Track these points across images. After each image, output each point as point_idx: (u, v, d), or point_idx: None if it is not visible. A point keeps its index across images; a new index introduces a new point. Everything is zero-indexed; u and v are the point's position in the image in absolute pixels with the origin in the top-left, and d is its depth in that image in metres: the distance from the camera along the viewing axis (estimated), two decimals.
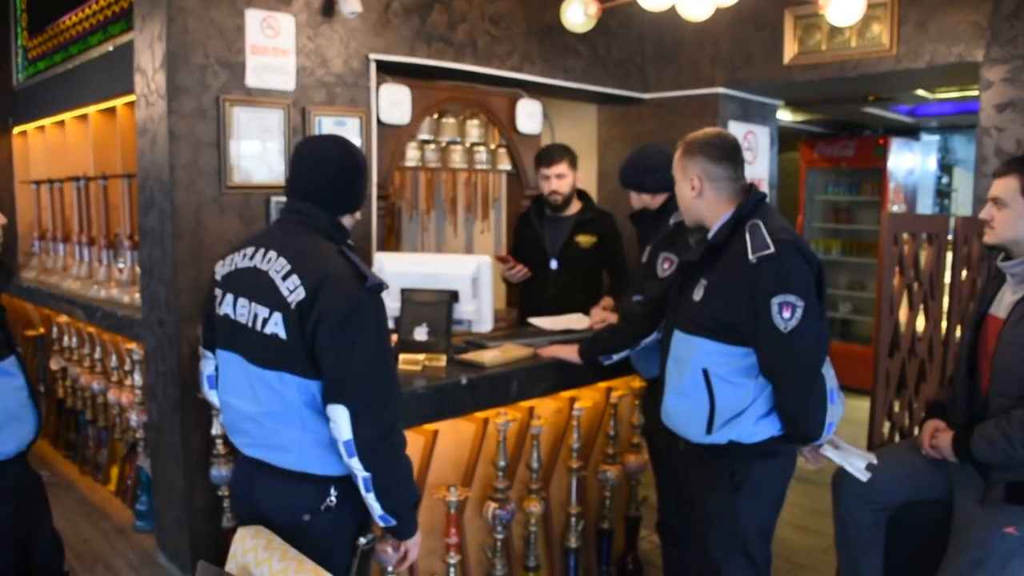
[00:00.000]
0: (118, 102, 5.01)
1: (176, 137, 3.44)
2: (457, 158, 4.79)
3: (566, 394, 3.22)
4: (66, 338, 5.24)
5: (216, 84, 3.53)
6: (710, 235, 2.45)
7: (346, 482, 2.10)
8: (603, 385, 3.37)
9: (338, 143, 2.24)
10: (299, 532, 2.10)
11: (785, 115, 7.36)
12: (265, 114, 3.67)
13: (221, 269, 2.22)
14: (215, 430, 3.44)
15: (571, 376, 3.19)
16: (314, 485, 2.11)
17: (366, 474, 2.01)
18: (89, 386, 4.91)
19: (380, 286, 2.07)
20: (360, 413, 1.98)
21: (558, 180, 3.89)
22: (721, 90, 5.17)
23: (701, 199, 2.45)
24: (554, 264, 4.00)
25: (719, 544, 2.45)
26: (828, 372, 2.35)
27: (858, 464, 2.43)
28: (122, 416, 4.69)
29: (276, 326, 2.03)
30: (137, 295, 4.42)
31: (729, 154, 2.44)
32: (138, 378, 4.28)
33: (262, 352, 2.07)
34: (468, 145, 4.84)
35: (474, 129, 4.83)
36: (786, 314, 2.21)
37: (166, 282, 3.54)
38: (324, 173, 2.16)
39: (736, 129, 5.27)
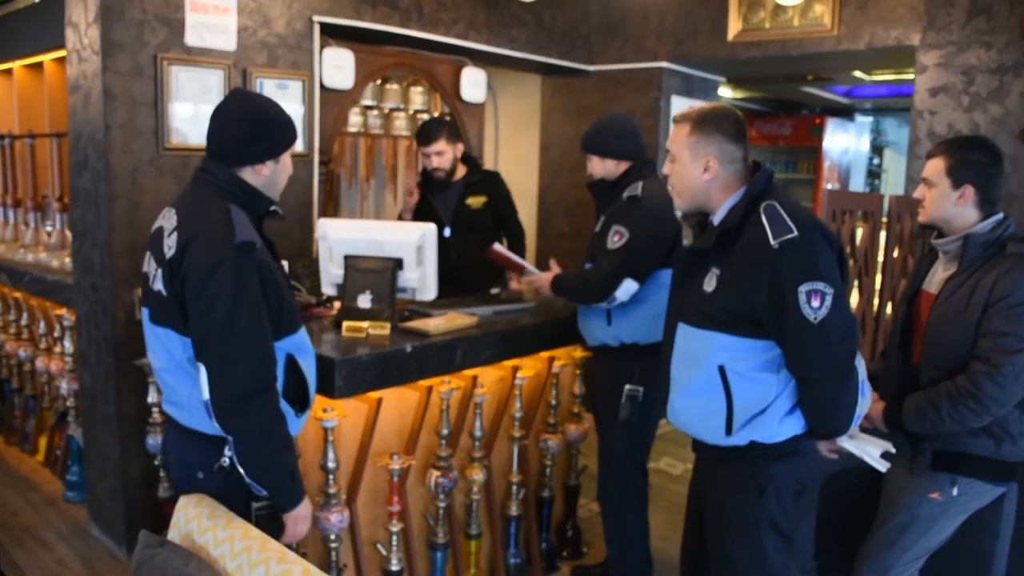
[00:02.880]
0: (46, 57, 4.83)
1: (111, 96, 3.32)
2: (400, 125, 4.74)
3: (509, 363, 3.22)
4: None
5: (154, 41, 3.42)
6: (717, 219, 2.23)
7: None
8: (545, 355, 3.39)
9: (237, 96, 2.21)
10: (193, 489, 2.13)
11: (726, 92, 7.45)
12: (205, 74, 3.57)
13: (152, 230, 2.19)
14: (151, 398, 3.37)
15: (514, 346, 3.20)
16: (207, 444, 2.10)
17: (229, 437, 2.02)
18: (15, 353, 4.75)
19: (250, 244, 1.99)
20: (216, 373, 1.96)
21: (438, 157, 3.87)
22: (665, 64, 5.20)
23: (713, 182, 2.21)
24: (448, 231, 3.99)
25: (744, 549, 2.28)
26: (859, 363, 2.17)
27: (875, 453, 2.30)
28: (51, 384, 4.55)
29: (159, 282, 2.06)
30: (67, 259, 4.28)
31: (743, 131, 2.24)
32: (68, 345, 4.16)
33: (155, 308, 2.11)
34: (411, 112, 4.80)
35: (418, 96, 4.79)
36: (815, 303, 2.02)
37: (100, 245, 3.43)
38: (220, 126, 2.12)
39: (679, 104, 5.32)
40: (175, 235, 2.03)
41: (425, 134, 3.89)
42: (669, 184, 2.34)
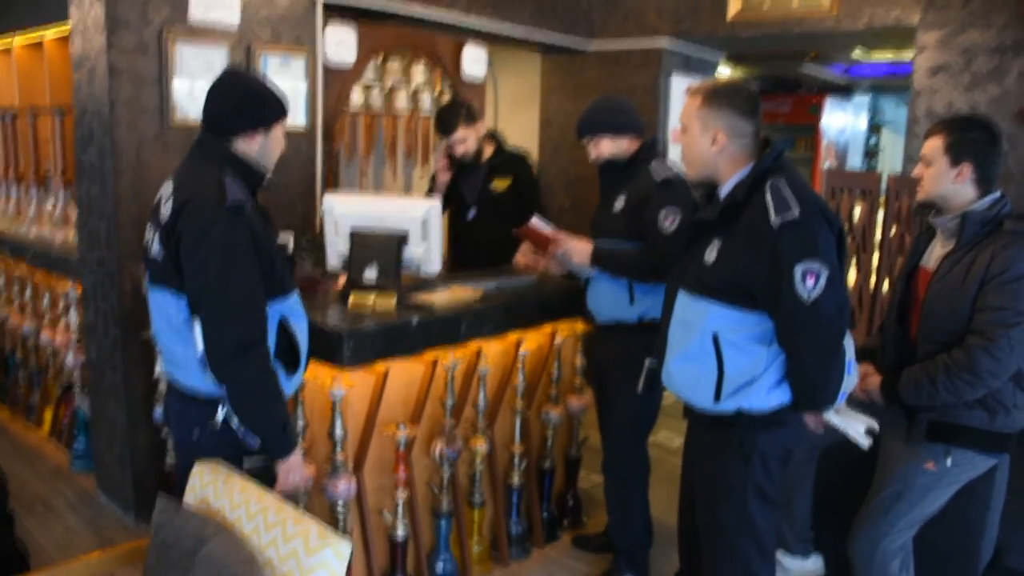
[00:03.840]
0: (46, 33, 4.82)
1: (116, 72, 3.35)
2: (402, 102, 4.76)
3: (512, 336, 3.28)
4: None
5: (158, 18, 3.43)
6: (724, 192, 2.28)
7: None
8: (548, 328, 3.45)
9: (229, 72, 2.37)
10: (189, 448, 2.26)
11: (724, 70, 7.47)
12: (209, 51, 3.59)
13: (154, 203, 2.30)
14: (158, 369, 3.43)
15: (517, 318, 3.25)
16: (202, 404, 2.22)
17: (223, 388, 2.12)
18: (20, 327, 4.79)
19: (239, 206, 2.10)
20: (211, 325, 2.08)
21: (461, 144, 3.87)
22: (665, 42, 5.22)
23: (721, 154, 2.25)
24: (471, 213, 4.02)
25: (730, 513, 2.34)
26: (848, 343, 2.23)
27: (859, 428, 2.37)
28: (56, 357, 4.60)
29: (156, 245, 2.19)
30: (71, 234, 4.32)
31: (755, 107, 2.26)
32: (74, 318, 4.20)
33: (152, 272, 2.24)
34: (413, 89, 4.81)
35: (419, 74, 4.80)
36: (809, 282, 2.07)
37: (107, 218, 3.47)
38: (213, 100, 2.25)
39: (679, 82, 5.35)
40: (171, 201, 2.15)
41: (442, 124, 3.88)
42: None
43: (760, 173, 2.20)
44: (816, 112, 7.70)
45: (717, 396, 2.25)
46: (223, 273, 2.07)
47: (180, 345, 2.19)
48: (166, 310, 2.20)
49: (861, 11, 4.40)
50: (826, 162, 7.78)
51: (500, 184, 3.94)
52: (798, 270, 2.07)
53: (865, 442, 2.38)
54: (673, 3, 5.13)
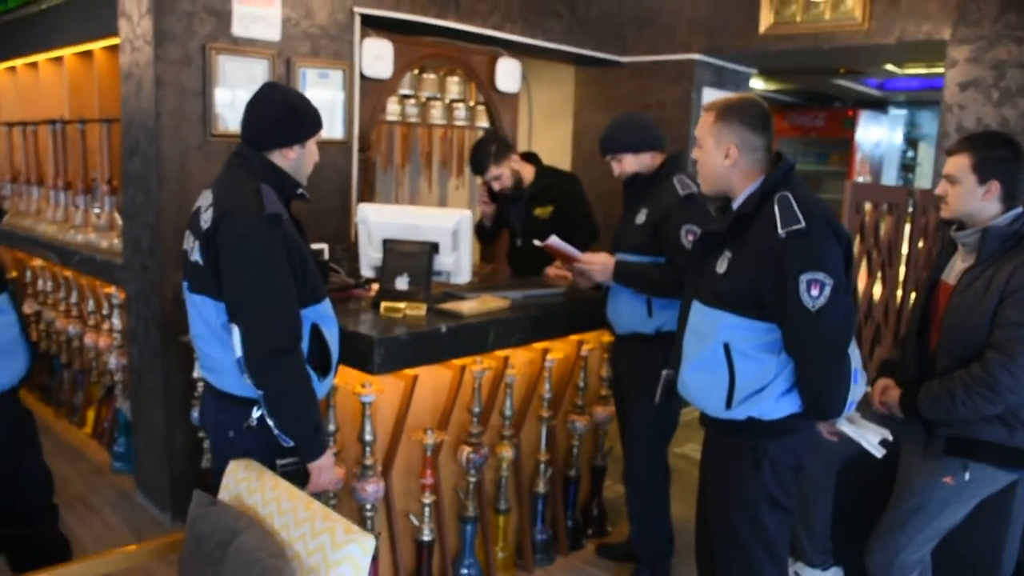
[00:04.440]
0: (96, 45, 4.98)
1: (162, 84, 3.48)
2: (437, 114, 4.86)
3: (539, 345, 3.34)
4: (40, 282, 5.26)
5: (203, 32, 3.56)
6: (736, 205, 2.35)
7: None
8: (574, 338, 3.51)
9: (266, 85, 2.45)
10: (225, 447, 2.35)
11: (757, 84, 7.49)
12: (250, 64, 3.71)
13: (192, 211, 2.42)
14: (196, 373, 3.53)
15: (545, 329, 3.31)
16: (238, 405, 2.33)
17: (259, 391, 2.21)
18: (65, 330, 4.94)
19: (276, 216, 2.20)
20: (249, 331, 2.17)
21: (496, 181, 3.94)
22: (697, 56, 5.27)
23: (734, 168, 2.33)
24: (519, 242, 4.09)
25: (742, 520, 2.40)
26: (853, 352, 2.28)
27: (872, 440, 2.40)
28: (99, 360, 4.74)
29: (196, 254, 2.29)
30: (116, 240, 4.46)
31: (766, 123, 2.34)
32: (117, 322, 4.34)
33: (192, 278, 2.33)
34: (447, 101, 4.91)
35: (454, 86, 4.90)
36: (814, 292, 2.13)
37: (150, 227, 3.60)
38: (250, 113, 2.36)
39: (710, 95, 5.38)
40: (211, 210, 2.25)
41: (473, 166, 3.96)
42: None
43: (770, 187, 2.27)
44: (850, 126, 7.68)
45: (728, 403, 2.31)
46: (260, 281, 2.17)
47: (218, 349, 2.30)
48: (205, 315, 2.29)
49: (893, 25, 4.42)
50: (860, 177, 7.75)
51: (542, 212, 4.01)
52: (803, 279, 2.13)
53: (878, 452, 2.41)
54: (704, 18, 5.18)
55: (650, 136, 3.20)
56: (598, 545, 3.76)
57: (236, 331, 2.18)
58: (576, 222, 3.97)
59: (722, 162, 2.33)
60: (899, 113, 9.11)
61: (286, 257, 2.22)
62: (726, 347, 2.28)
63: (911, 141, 9.59)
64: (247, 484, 2.14)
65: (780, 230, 2.16)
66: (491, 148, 3.92)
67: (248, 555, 1.91)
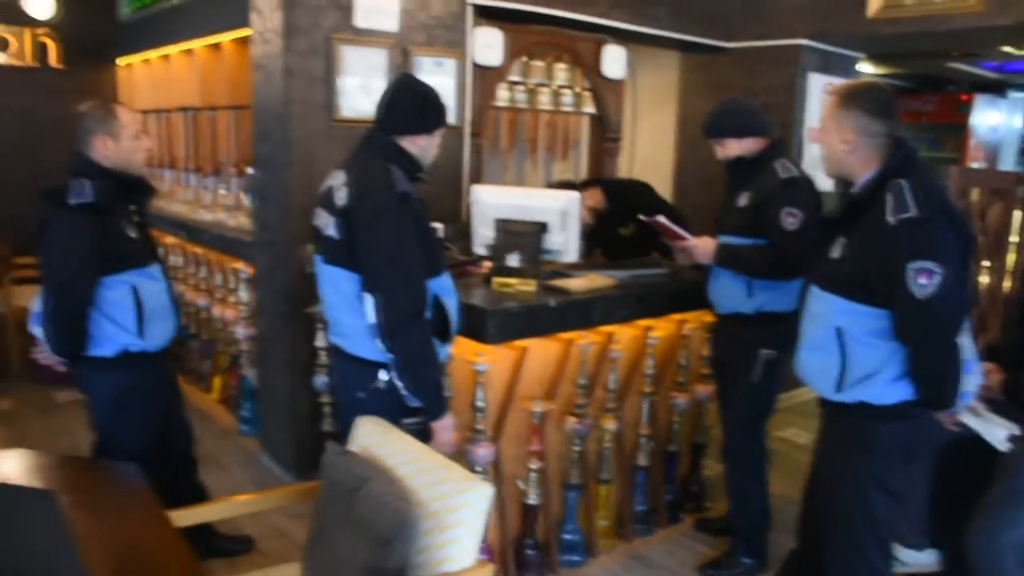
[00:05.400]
0: (224, 37, 5.31)
1: (291, 73, 3.73)
2: (544, 100, 5.01)
3: (643, 323, 3.46)
4: (172, 258, 5.65)
5: (327, 24, 3.80)
6: (854, 191, 2.40)
7: None
8: (677, 317, 3.61)
9: (400, 77, 2.67)
10: (354, 407, 2.53)
11: (866, 68, 7.35)
12: (370, 53, 3.94)
13: (319, 191, 2.65)
14: (319, 342, 3.79)
15: (648, 307, 3.43)
16: (367, 368, 2.53)
17: (391, 355, 2.41)
18: (194, 302, 5.31)
19: (407, 195, 2.42)
20: (383, 300, 2.37)
21: (586, 211, 4.07)
22: (803, 41, 5.25)
23: (852, 154, 2.37)
24: (615, 255, 4.24)
25: (850, 502, 2.46)
26: (966, 342, 2.29)
27: (999, 434, 2.42)
28: (225, 330, 5.09)
29: (332, 229, 2.48)
30: (243, 219, 4.78)
31: (887, 108, 2.35)
32: (243, 295, 4.66)
33: (327, 251, 2.53)
34: (555, 87, 5.05)
35: (561, 72, 5.04)
36: (922, 280, 2.15)
37: (279, 206, 3.87)
38: (384, 102, 2.56)
39: (816, 81, 5.36)
40: (345, 189, 2.46)
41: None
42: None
43: (887, 173, 2.30)
44: (965, 110, 7.45)
45: (839, 386, 2.39)
46: (393, 253, 2.37)
47: (350, 316, 2.50)
48: (339, 285, 2.50)
49: (1009, 5, 4.31)
50: (974, 163, 7.52)
51: (625, 230, 4.14)
52: (911, 268, 2.16)
53: (1004, 447, 2.44)
54: (811, 2, 5.15)
55: (753, 122, 3.27)
56: (696, 519, 3.87)
57: (371, 299, 2.38)
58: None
59: (841, 147, 2.38)
60: (1019, 96, 8.78)
61: (414, 232, 2.42)
62: (838, 331, 2.35)
63: None
64: (375, 438, 2.34)
65: (890, 217, 2.20)
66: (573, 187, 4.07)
67: (376, 499, 2.11)
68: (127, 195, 2.86)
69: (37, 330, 2.78)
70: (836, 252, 2.37)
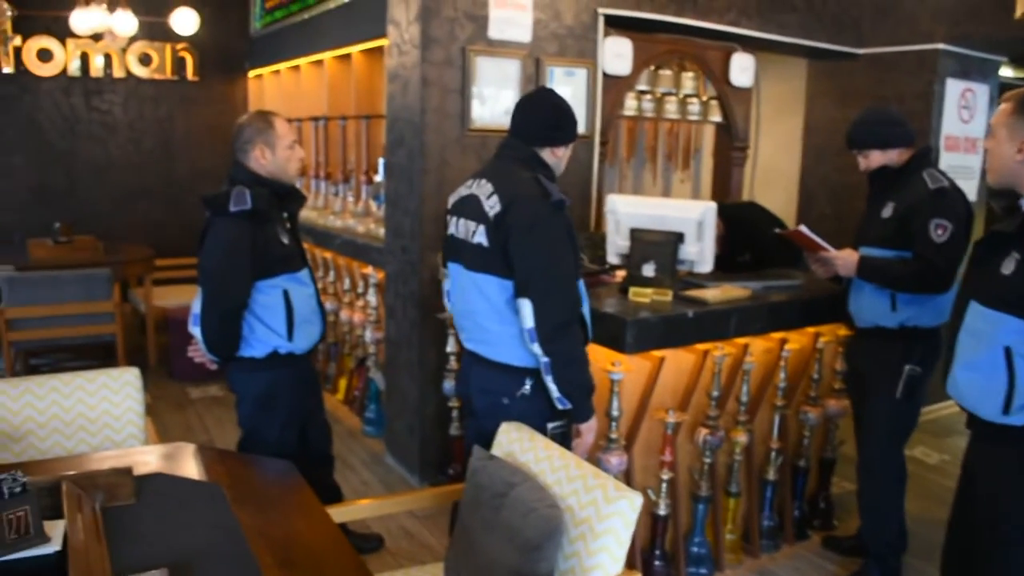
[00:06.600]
0: (353, 49, 5.49)
1: (427, 83, 3.83)
2: (671, 108, 4.99)
3: (777, 335, 3.41)
4: None
5: (463, 35, 3.89)
6: None
7: (539, 375, 2.51)
8: (811, 330, 3.54)
9: (539, 90, 2.74)
10: (498, 413, 2.55)
11: (1007, 71, 7.02)
12: (504, 64, 4.00)
13: (452, 199, 2.72)
14: (450, 347, 3.87)
15: (783, 319, 3.38)
16: (512, 374, 2.56)
17: (545, 359, 2.44)
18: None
19: (562, 202, 2.45)
20: (540, 305, 2.40)
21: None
22: (941, 46, 5.07)
23: None
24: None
25: (1016, 529, 2.30)
26: None
27: None
28: (352, 333, 5.25)
29: (480, 236, 2.51)
30: (372, 225, 4.92)
31: None
32: (372, 299, 4.79)
33: (473, 259, 2.56)
34: (682, 96, 5.02)
35: (688, 81, 5.01)
36: None
37: (412, 213, 3.97)
38: (524, 113, 2.61)
39: (954, 87, 5.17)
40: (495, 197, 2.49)
41: None
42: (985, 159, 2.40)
43: None
44: None
45: (1007, 408, 2.24)
46: (550, 260, 2.42)
47: (498, 323, 2.54)
48: (488, 292, 2.54)
49: None
50: None
51: (742, 259, 4.04)
52: None
53: None
54: (951, 5, 4.97)
55: (899, 132, 3.18)
56: (824, 537, 3.78)
57: (527, 304, 2.41)
58: (774, 243, 3.81)
59: (1013, 156, 2.26)
60: None
61: (568, 239, 2.46)
62: (1007, 351, 2.21)
63: None
64: (520, 444, 2.38)
65: None
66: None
67: (525, 504, 2.14)
68: (281, 203, 2.99)
69: (195, 330, 2.92)
70: (1008, 268, 2.22)
